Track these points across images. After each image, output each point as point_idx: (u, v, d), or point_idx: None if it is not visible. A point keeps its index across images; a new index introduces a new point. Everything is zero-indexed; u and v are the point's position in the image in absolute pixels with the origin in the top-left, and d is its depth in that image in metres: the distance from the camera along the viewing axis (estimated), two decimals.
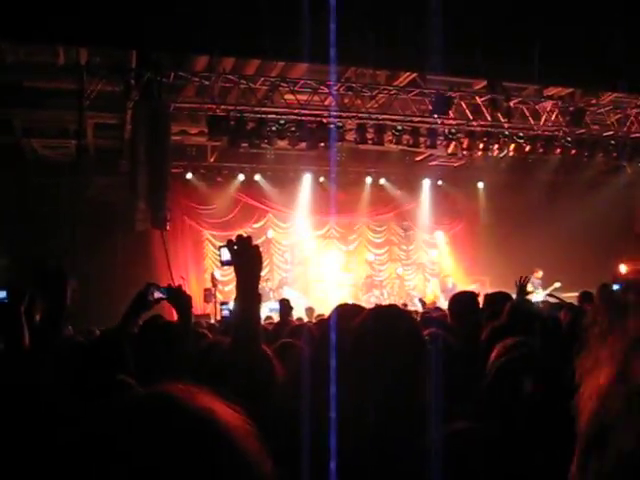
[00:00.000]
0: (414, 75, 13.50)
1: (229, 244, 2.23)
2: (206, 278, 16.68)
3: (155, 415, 0.81)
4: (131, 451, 0.77)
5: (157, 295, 3.45)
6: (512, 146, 14.74)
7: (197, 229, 17.80)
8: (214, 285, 15.30)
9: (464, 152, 15.00)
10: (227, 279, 15.30)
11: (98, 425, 0.82)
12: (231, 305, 7.16)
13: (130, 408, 0.84)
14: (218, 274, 15.54)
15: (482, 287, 15.67)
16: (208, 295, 15.09)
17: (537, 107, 14.64)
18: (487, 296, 5.47)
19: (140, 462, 0.76)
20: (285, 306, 8.15)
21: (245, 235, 2.26)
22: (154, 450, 0.77)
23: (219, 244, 2.68)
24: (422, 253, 19.86)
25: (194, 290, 16.33)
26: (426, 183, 19.42)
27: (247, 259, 2.19)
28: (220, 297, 15.09)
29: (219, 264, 2.45)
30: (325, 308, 13.66)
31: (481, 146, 14.55)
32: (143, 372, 2.83)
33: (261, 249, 2.28)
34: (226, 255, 2.25)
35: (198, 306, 14.53)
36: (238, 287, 2.21)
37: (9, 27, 9.64)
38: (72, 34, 9.99)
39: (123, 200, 13.17)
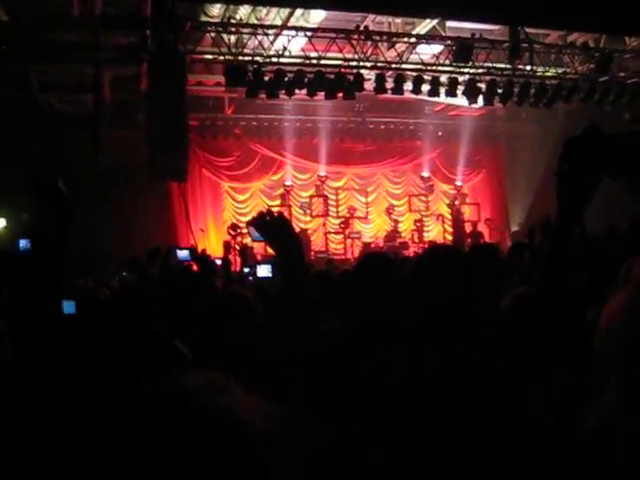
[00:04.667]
0: (434, 23, 13.22)
1: (253, 222, 2.16)
2: (223, 232, 16.72)
3: (174, 416, 0.81)
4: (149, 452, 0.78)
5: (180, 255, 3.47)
6: (533, 94, 14.45)
7: (215, 182, 17.78)
8: (235, 235, 15.23)
9: (484, 101, 14.72)
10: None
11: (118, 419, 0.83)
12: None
13: (149, 406, 0.83)
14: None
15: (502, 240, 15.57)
16: (227, 248, 15.13)
17: (561, 54, 14.31)
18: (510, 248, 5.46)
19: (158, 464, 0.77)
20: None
21: (265, 209, 2.19)
22: (170, 450, 0.77)
23: (240, 197, 2.68)
24: (441, 204, 19.73)
25: (213, 243, 16.41)
26: (446, 133, 19.19)
27: (276, 233, 2.13)
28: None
29: (245, 227, 2.42)
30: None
31: (501, 95, 14.28)
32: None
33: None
34: (254, 233, 2.19)
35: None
36: (280, 263, 2.15)
37: None
38: None
39: (141, 153, 13.14)
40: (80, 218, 2.51)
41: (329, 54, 13.13)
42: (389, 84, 13.70)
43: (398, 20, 13.75)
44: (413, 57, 13.68)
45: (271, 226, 2.11)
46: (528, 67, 14.27)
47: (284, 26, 12.87)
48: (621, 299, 1.10)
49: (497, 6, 10.02)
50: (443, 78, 13.95)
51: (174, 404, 0.82)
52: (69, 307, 3.15)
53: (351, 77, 13.25)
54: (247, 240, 13.69)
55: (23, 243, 6.17)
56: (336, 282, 4.08)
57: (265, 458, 0.81)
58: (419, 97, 14.53)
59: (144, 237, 12.85)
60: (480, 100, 14.41)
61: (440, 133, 19.17)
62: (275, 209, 2.26)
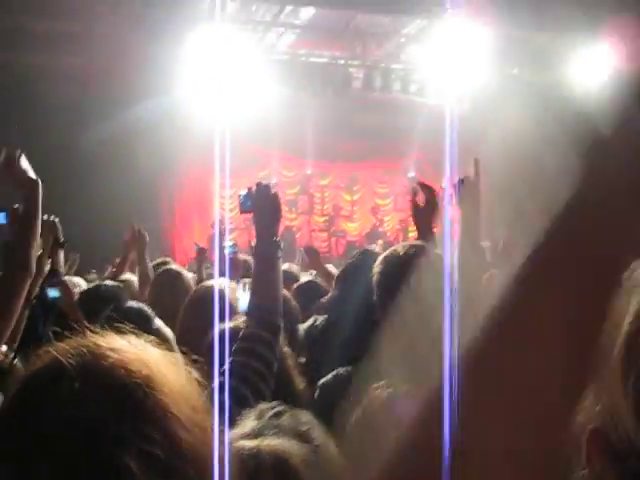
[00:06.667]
0: (423, 23, 13.24)
1: (250, 191, 2.25)
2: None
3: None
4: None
5: None
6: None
7: (202, 177, 17.68)
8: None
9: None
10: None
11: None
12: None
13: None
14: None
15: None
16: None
17: None
18: None
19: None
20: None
21: (264, 183, 2.28)
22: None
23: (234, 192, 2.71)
24: None
25: (197, 239, 16.32)
26: (434, 134, 19.20)
27: (267, 205, 2.20)
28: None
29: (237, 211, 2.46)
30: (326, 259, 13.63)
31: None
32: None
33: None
34: (246, 203, 2.25)
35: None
36: (258, 234, 2.21)
37: None
38: None
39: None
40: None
41: (317, 51, 13.12)
42: (377, 82, 13.72)
43: (388, 19, 13.76)
44: (402, 56, 13.71)
45: (269, 198, 2.21)
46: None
47: (274, 23, 12.85)
48: None
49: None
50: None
51: None
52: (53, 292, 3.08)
53: (339, 75, 13.26)
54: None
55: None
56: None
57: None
58: (408, 96, 14.56)
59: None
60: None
61: (427, 133, 19.18)
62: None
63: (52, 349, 0.89)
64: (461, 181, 2.99)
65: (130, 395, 0.84)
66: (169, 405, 0.85)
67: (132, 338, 0.96)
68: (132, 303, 2.58)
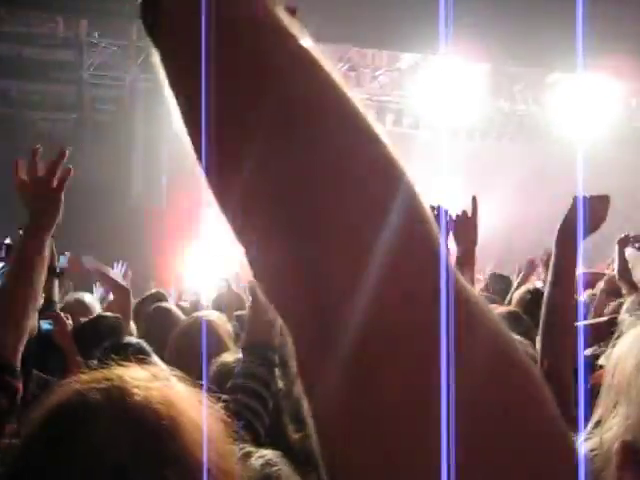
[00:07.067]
0: (418, 57, 13.37)
1: None
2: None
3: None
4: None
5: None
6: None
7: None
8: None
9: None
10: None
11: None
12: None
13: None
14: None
15: None
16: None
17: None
18: None
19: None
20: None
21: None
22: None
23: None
24: None
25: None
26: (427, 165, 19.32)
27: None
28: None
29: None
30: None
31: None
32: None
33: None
34: None
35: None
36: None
37: None
38: (71, 4, 9.84)
39: (119, 175, 13.03)
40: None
41: None
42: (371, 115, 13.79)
43: (383, 53, 13.90)
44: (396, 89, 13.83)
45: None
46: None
47: None
48: None
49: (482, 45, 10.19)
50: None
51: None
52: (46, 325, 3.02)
53: None
54: None
55: None
56: None
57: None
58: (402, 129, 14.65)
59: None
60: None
61: (420, 165, 19.30)
62: None
63: (75, 381, 0.86)
64: (458, 216, 3.00)
65: (156, 438, 0.81)
66: (194, 450, 0.81)
67: (156, 370, 0.93)
68: (131, 338, 2.53)
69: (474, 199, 3.04)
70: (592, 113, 13.37)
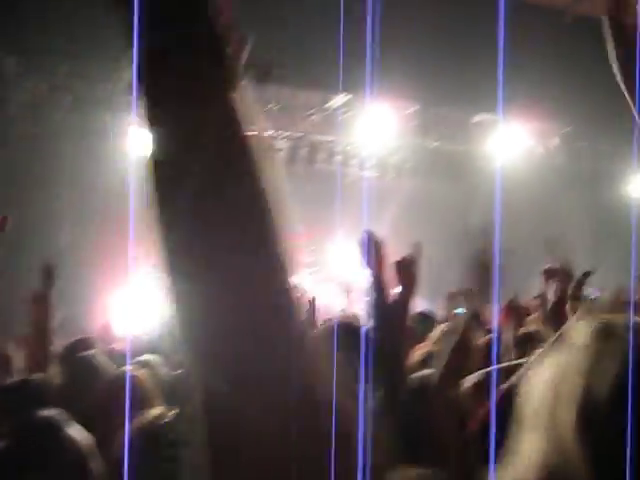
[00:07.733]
0: (349, 97, 13.61)
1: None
2: None
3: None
4: None
5: None
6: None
7: None
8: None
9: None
10: None
11: None
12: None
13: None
14: None
15: None
16: None
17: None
18: None
19: None
20: None
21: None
22: None
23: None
24: None
25: None
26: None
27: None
28: None
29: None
30: None
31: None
32: None
33: None
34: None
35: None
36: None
37: None
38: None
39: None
40: None
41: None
42: (303, 154, 13.94)
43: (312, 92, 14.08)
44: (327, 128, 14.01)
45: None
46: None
47: None
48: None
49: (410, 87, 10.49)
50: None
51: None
52: None
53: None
54: None
55: None
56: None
57: None
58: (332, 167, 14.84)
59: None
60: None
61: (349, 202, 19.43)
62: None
63: None
64: (368, 239, 3.00)
65: None
66: None
67: None
68: (43, 413, 2.34)
69: (417, 244, 3.11)
70: (513, 153, 13.88)
